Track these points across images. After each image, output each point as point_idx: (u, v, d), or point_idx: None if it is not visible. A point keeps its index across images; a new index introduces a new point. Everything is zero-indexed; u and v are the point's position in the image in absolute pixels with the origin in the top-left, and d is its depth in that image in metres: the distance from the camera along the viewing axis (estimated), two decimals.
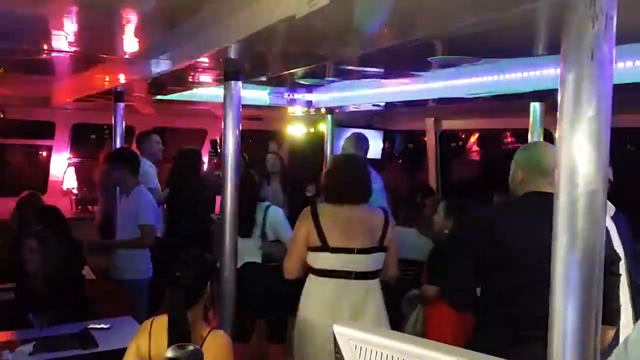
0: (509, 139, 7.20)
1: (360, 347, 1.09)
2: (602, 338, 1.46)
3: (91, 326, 3.55)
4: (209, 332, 2.56)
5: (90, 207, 7.61)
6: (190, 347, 1.87)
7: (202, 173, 6.22)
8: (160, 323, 2.57)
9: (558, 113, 1.26)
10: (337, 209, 3.29)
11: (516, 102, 3.97)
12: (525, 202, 2.59)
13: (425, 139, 6.73)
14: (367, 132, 5.86)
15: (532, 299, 2.21)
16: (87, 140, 8.26)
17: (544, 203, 2.36)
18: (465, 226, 3.01)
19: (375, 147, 6.54)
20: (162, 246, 4.94)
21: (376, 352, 1.06)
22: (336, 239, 3.21)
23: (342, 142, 5.79)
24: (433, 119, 6.46)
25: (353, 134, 5.58)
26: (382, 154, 7.18)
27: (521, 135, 4.53)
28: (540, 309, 2.19)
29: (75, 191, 7.73)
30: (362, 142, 5.35)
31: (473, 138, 7.95)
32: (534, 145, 2.90)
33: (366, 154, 5.31)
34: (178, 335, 2.45)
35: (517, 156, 2.71)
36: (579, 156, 1.23)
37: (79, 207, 7.65)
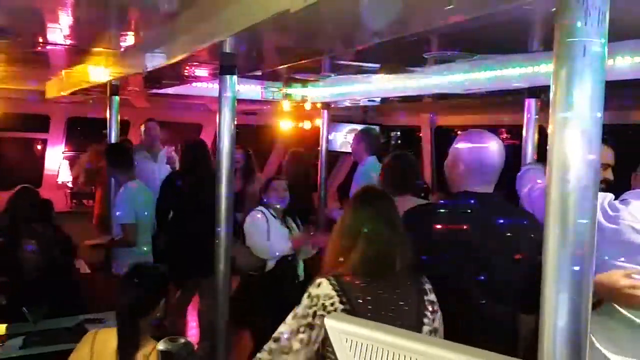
0: (504, 135, 7.20)
1: (351, 340, 1.09)
2: None
3: (85, 318, 3.56)
4: (153, 349, 2.39)
5: (85, 200, 7.60)
6: (182, 340, 1.87)
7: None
8: (104, 337, 2.49)
9: (550, 108, 1.26)
10: None
11: (511, 99, 3.97)
12: (464, 204, 2.32)
13: (421, 134, 6.74)
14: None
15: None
16: (82, 134, 8.23)
17: (488, 206, 2.23)
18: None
19: None
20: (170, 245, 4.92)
21: (367, 345, 1.06)
22: None
23: (340, 137, 5.75)
24: (428, 114, 6.47)
25: (364, 128, 5.56)
26: None
27: (516, 131, 4.53)
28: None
29: (70, 185, 7.72)
30: (371, 138, 5.26)
31: None
32: (480, 138, 2.41)
33: (375, 149, 5.17)
34: (127, 345, 2.40)
35: (460, 146, 2.42)
36: (570, 152, 1.23)
37: (74, 200, 7.64)
